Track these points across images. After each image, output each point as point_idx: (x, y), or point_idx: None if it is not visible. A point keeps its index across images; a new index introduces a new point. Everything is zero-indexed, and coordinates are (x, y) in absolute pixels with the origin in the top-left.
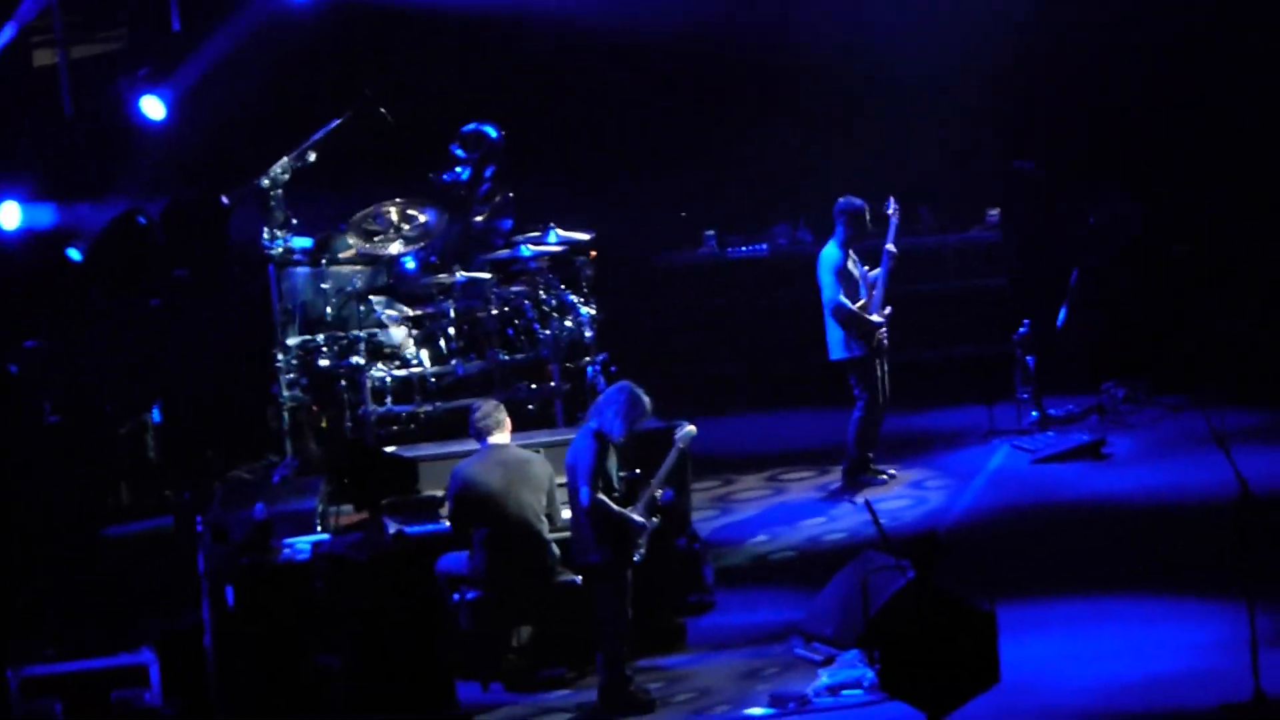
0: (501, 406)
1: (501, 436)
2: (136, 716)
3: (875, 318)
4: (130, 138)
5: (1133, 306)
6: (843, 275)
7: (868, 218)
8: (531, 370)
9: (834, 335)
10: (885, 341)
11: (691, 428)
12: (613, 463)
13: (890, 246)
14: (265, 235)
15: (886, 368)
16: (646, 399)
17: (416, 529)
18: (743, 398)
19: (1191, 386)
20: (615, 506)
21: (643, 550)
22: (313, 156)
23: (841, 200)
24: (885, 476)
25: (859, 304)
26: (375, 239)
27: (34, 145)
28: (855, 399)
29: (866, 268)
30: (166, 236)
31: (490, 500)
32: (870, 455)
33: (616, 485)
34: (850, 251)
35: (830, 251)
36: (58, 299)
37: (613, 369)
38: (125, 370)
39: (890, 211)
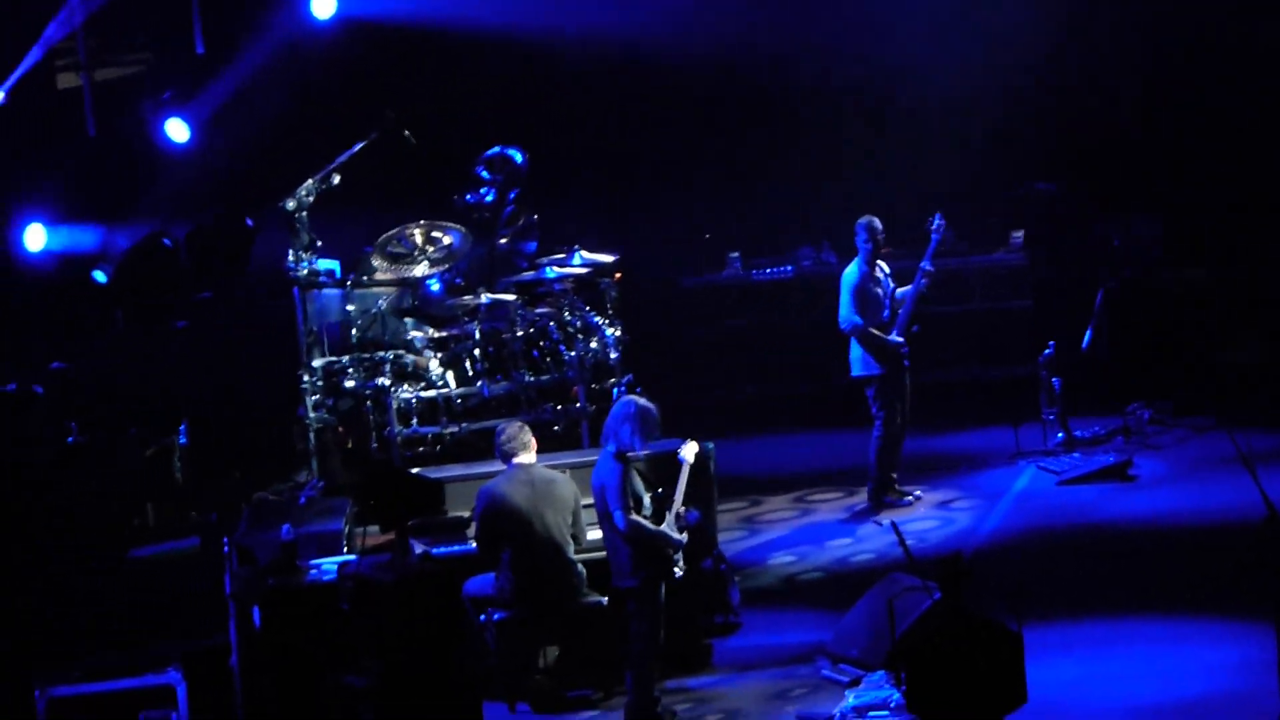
0: (527, 428)
1: (527, 457)
2: None
3: (894, 338)
4: (155, 160)
5: (1158, 328)
6: (860, 294)
7: (881, 232)
8: (557, 391)
9: (854, 352)
10: (907, 362)
11: (693, 443)
12: (639, 482)
13: (926, 265)
14: (290, 257)
15: (909, 388)
16: (654, 408)
17: (442, 550)
18: (769, 419)
19: (1217, 408)
20: (651, 526)
21: (682, 567)
22: (337, 179)
23: (863, 219)
24: (911, 498)
25: (880, 323)
26: (400, 261)
27: (59, 168)
28: (873, 418)
29: (895, 285)
30: (191, 259)
31: (516, 520)
32: (894, 476)
33: (647, 504)
34: (876, 269)
35: (850, 271)
36: (83, 321)
37: (638, 390)
38: (151, 392)
39: (934, 228)
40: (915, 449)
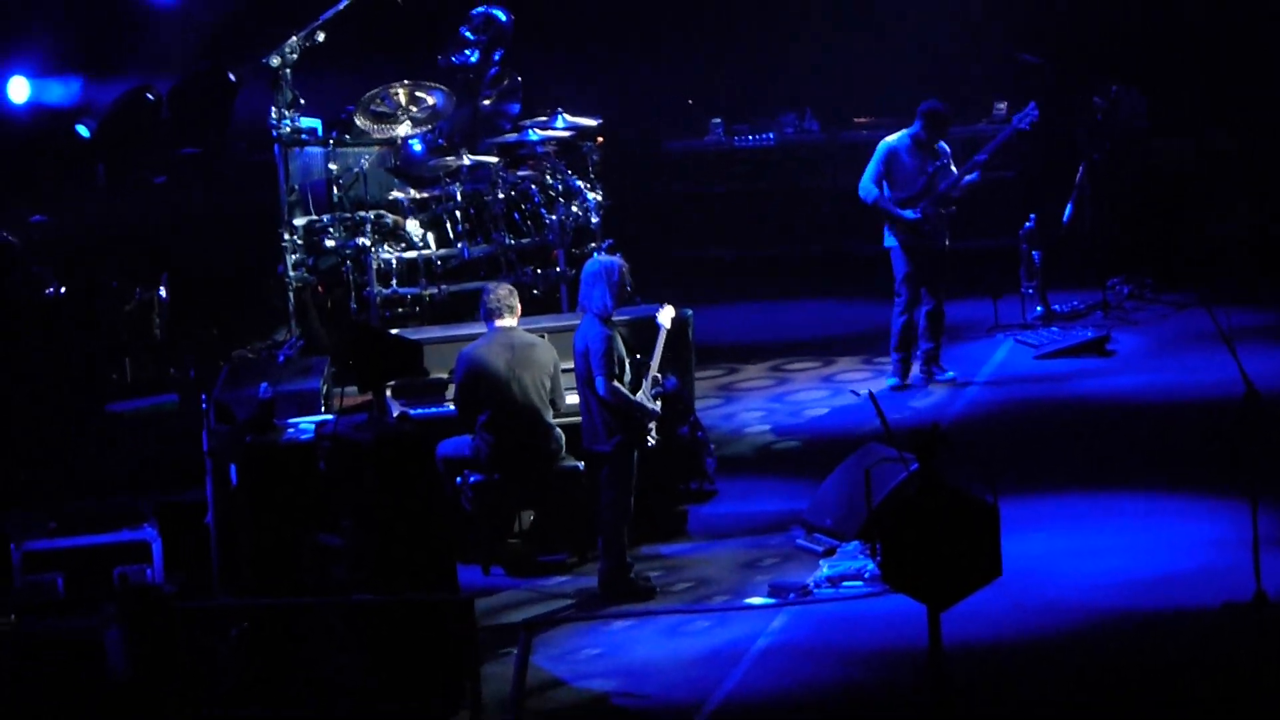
0: (515, 291)
1: (509, 320)
2: (138, 593)
3: (908, 213)
4: (140, 14)
5: (1139, 202)
6: (887, 162)
7: (942, 115)
8: (537, 255)
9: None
10: (928, 240)
11: (669, 307)
12: (622, 347)
13: (980, 155)
14: (273, 114)
15: (935, 267)
16: (618, 263)
17: (420, 411)
18: (747, 286)
19: (1197, 283)
20: (629, 394)
21: (655, 437)
22: (322, 36)
23: (926, 101)
24: (935, 380)
25: (909, 196)
26: (383, 120)
27: (44, 21)
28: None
29: (934, 165)
30: (174, 114)
31: (495, 383)
32: (931, 346)
33: (628, 370)
34: (916, 145)
35: (890, 138)
36: (65, 174)
37: (617, 255)
38: (132, 246)
39: (1019, 120)
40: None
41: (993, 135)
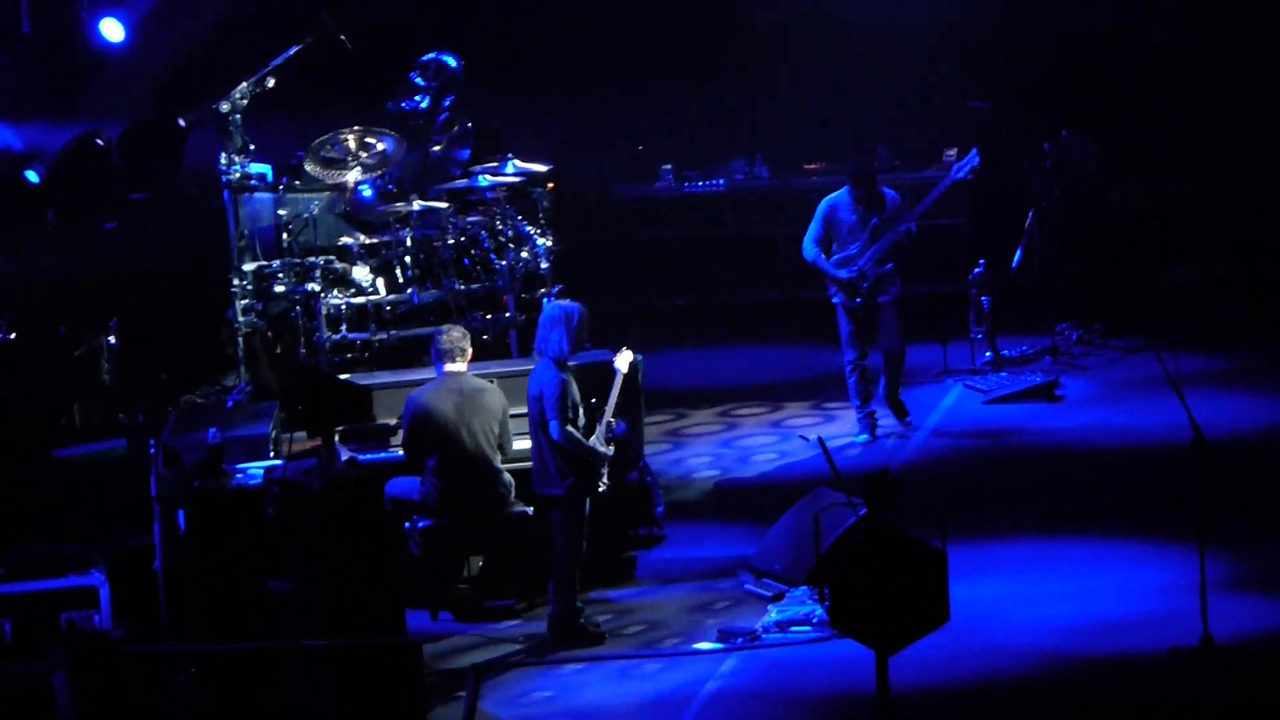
0: (468, 335)
1: (460, 365)
2: (86, 638)
3: (841, 272)
4: (89, 60)
5: (1090, 248)
6: (828, 219)
7: (863, 174)
8: (487, 300)
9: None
10: (867, 297)
11: (628, 352)
12: (576, 392)
13: (920, 207)
14: (223, 160)
15: (881, 317)
16: (579, 310)
17: (369, 456)
18: (697, 331)
19: (1148, 329)
20: (583, 439)
21: (606, 481)
22: (271, 82)
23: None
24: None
25: (850, 254)
26: (333, 166)
27: None
28: None
29: (878, 219)
30: (124, 159)
31: (444, 428)
32: (866, 399)
33: (582, 415)
34: (855, 201)
35: (829, 196)
36: (14, 220)
37: (568, 300)
38: (81, 292)
39: (957, 170)
40: (836, 365)
41: (940, 182)
